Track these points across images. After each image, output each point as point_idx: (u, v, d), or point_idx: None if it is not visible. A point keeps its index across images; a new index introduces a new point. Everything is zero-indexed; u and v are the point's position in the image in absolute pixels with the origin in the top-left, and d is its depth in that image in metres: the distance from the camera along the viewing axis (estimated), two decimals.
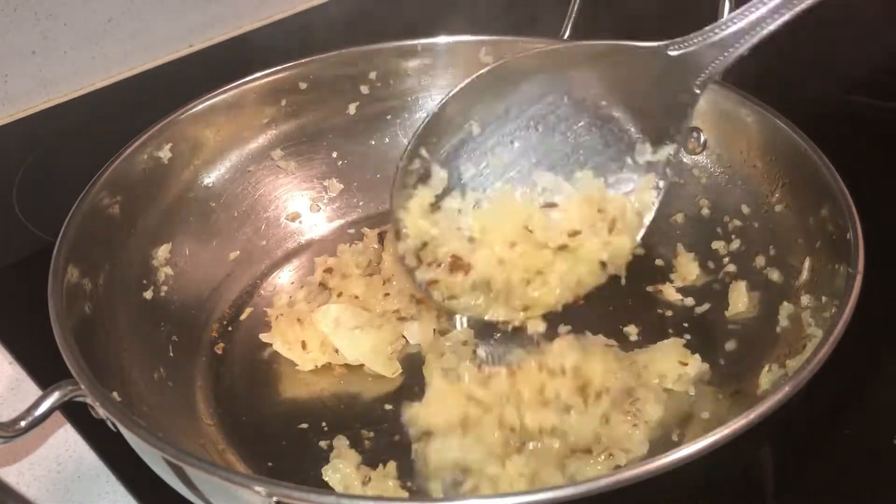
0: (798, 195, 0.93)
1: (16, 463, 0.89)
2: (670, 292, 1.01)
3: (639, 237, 0.92)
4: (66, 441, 0.91)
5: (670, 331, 0.96)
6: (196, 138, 1.05)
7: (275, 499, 0.62)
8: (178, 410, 0.89)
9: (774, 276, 0.94)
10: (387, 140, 1.17)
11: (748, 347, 0.92)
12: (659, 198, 0.90)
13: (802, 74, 1.41)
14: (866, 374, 0.94)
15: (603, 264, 0.90)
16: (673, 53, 0.87)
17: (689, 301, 1.00)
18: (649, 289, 1.02)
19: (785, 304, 0.89)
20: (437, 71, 1.15)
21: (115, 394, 0.76)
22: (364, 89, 1.15)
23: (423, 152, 0.90)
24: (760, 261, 0.96)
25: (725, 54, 0.86)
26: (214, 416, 0.91)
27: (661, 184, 0.90)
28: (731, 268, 0.99)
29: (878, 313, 0.83)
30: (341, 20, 1.57)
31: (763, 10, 0.82)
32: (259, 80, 1.09)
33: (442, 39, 1.14)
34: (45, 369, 0.96)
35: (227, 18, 1.61)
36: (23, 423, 0.71)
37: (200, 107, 1.05)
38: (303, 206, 1.14)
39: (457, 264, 0.85)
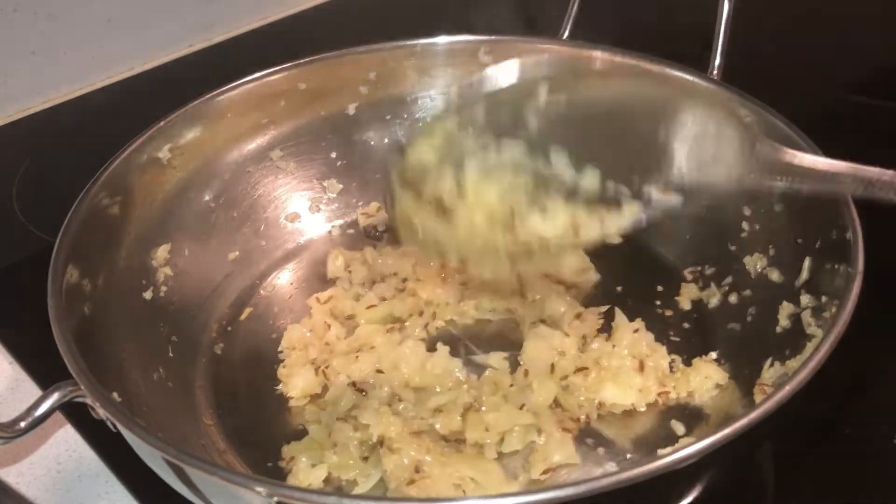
0: (797, 195, 0.93)
1: (16, 463, 0.89)
2: (670, 293, 1.01)
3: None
4: (67, 441, 0.91)
5: (670, 331, 0.97)
6: (195, 138, 1.05)
7: (275, 499, 0.62)
8: (177, 411, 0.89)
9: (774, 276, 0.94)
10: (386, 140, 1.17)
11: (748, 347, 0.92)
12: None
13: (802, 74, 1.41)
14: (866, 374, 0.94)
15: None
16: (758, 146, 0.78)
17: (690, 302, 1.00)
18: (649, 289, 1.02)
19: (785, 303, 0.89)
20: (437, 71, 1.15)
21: (114, 394, 0.76)
22: (363, 89, 1.15)
23: None
24: (761, 261, 0.96)
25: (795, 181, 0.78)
26: (214, 417, 0.91)
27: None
28: (732, 269, 0.99)
29: (878, 313, 0.83)
30: (341, 20, 1.57)
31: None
32: (258, 80, 1.09)
33: (441, 39, 1.14)
34: (45, 369, 0.96)
35: (227, 18, 1.61)
36: (23, 424, 0.71)
37: (200, 107, 1.05)
38: (302, 207, 1.14)
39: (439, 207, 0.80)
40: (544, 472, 0.82)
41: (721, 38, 1.02)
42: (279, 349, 0.98)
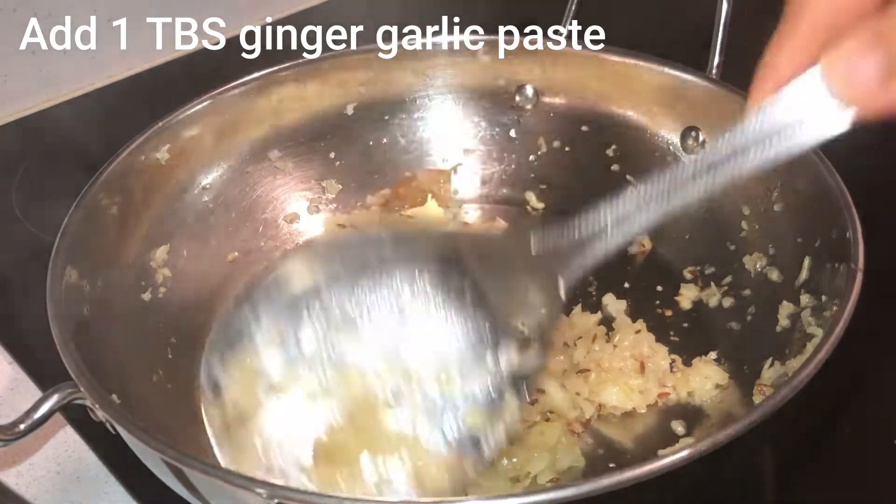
0: (797, 194, 0.93)
1: (15, 464, 0.89)
2: (670, 293, 1.01)
3: None
4: (66, 442, 0.91)
5: (670, 331, 0.97)
6: (194, 139, 1.05)
7: (276, 501, 0.62)
8: (177, 412, 0.88)
9: (774, 275, 0.94)
10: (385, 140, 1.17)
11: (748, 347, 0.92)
12: None
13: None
14: (866, 374, 0.94)
15: None
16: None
17: (689, 301, 1.00)
18: (650, 289, 1.02)
19: (785, 303, 0.89)
20: (436, 71, 1.15)
21: (114, 396, 0.76)
22: (362, 90, 1.15)
23: None
24: (760, 261, 0.96)
25: None
26: None
27: None
28: (732, 268, 0.99)
29: (878, 313, 0.83)
30: (340, 20, 1.57)
31: None
32: (257, 80, 1.09)
33: (440, 39, 1.14)
34: (44, 369, 0.96)
35: (227, 18, 1.61)
36: (22, 427, 0.71)
37: (198, 107, 1.05)
38: (301, 208, 1.14)
39: None
40: (551, 480, 0.82)
41: (720, 36, 1.02)
42: None
